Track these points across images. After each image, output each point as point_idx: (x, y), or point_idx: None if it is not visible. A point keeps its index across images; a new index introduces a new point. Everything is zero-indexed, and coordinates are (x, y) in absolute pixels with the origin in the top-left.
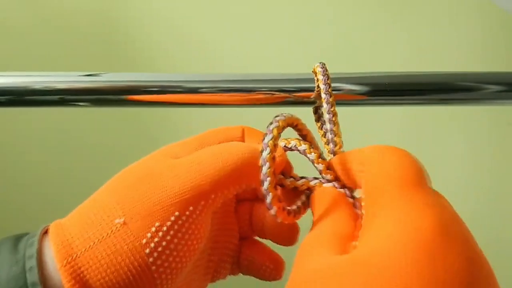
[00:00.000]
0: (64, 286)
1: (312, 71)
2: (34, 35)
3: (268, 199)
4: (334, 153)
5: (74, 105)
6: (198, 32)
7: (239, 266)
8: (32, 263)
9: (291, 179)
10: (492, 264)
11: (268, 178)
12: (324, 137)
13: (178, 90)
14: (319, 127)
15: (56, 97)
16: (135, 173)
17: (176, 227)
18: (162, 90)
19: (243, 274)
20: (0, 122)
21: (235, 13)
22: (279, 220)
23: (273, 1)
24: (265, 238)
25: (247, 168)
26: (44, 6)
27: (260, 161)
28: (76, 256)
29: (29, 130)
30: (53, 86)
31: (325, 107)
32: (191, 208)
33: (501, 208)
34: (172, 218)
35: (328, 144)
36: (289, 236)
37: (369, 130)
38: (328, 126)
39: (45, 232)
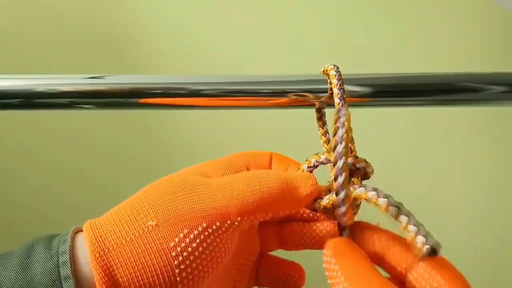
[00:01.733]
0: (95, 278)
1: (323, 73)
2: (37, 37)
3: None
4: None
5: (78, 107)
6: (202, 34)
7: (256, 280)
8: (65, 258)
9: (319, 200)
10: (494, 265)
11: (346, 205)
12: (325, 136)
13: (182, 92)
14: (320, 125)
15: (60, 100)
16: (171, 184)
17: (202, 237)
18: (166, 92)
19: (259, 287)
20: (7, 124)
21: (239, 15)
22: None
23: (276, 3)
24: (303, 249)
25: (274, 199)
26: (48, 9)
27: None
28: (108, 251)
29: (37, 130)
30: (56, 89)
31: (342, 112)
32: (217, 223)
33: (505, 207)
34: (200, 228)
35: (327, 144)
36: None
37: (372, 131)
38: (340, 132)
39: (76, 232)
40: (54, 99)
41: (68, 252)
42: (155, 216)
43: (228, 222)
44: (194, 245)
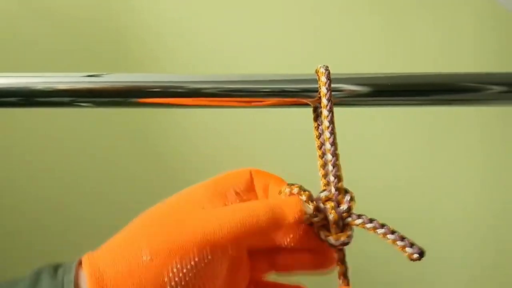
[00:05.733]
0: None
1: (315, 72)
2: (37, 36)
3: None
4: (338, 167)
5: (77, 105)
6: (203, 33)
7: None
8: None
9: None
10: (498, 266)
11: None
12: (318, 139)
13: (181, 91)
14: (315, 127)
15: (58, 98)
16: (163, 214)
17: (194, 270)
18: (165, 91)
19: None
20: (4, 123)
21: (240, 14)
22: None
23: (277, 3)
24: (296, 270)
25: (263, 228)
26: (48, 6)
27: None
28: (106, 286)
29: (38, 130)
30: (55, 87)
31: (325, 114)
32: (209, 255)
33: (508, 207)
34: (192, 263)
35: (320, 149)
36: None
37: (372, 131)
38: (327, 134)
39: (80, 262)
40: (52, 97)
41: (72, 282)
42: (149, 250)
43: (219, 252)
44: (187, 278)
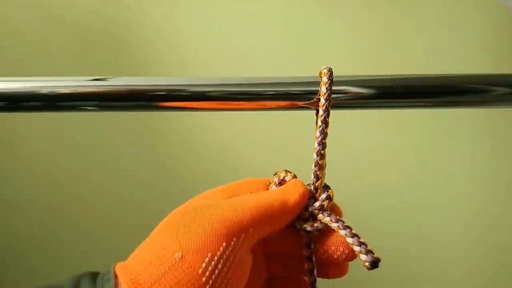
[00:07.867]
0: None
1: (319, 74)
2: (43, 40)
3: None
4: (319, 166)
5: (82, 109)
6: (207, 36)
7: None
8: None
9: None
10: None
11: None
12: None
13: (185, 94)
14: (316, 129)
15: (63, 103)
16: (185, 213)
17: (224, 256)
18: (169, 94)
19: None
20: (10, 125)
21: (244, 18)
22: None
23: (283, 6)
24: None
25: (279, 211)
26: (54, 12)
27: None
28: None
29: (46, 132)
30: (60, 91)
31: (320, 113)
32: (234, 239)
33: (508, 208)
34: (221, 249)
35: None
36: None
37: (376, 133)
38: (317, 133)
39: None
40: (57, 101)
41: None
42: (179, 248)
43: (243, 235)
44: (219, 266)
